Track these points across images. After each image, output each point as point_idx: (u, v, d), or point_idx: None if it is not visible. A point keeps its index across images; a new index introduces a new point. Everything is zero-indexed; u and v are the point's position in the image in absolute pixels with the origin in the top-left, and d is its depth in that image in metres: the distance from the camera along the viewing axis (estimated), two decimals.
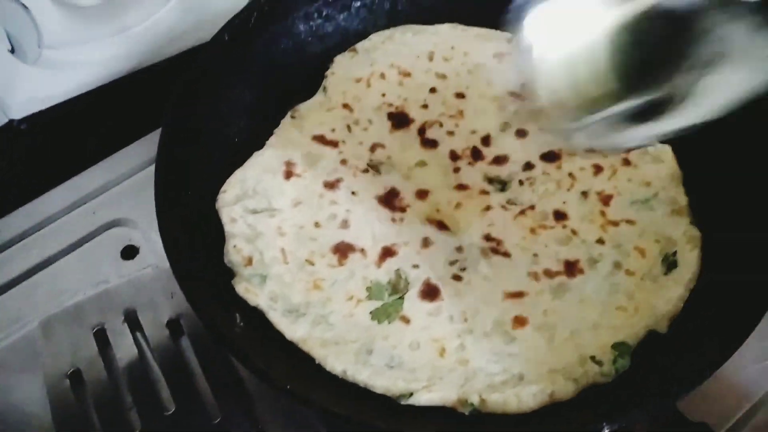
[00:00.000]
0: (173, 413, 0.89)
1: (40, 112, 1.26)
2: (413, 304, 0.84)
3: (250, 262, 0.85)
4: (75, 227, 1.11)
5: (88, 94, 1.27)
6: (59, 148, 1.26)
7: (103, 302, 0.99)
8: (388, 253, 0.88)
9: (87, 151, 1.23)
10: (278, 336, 0.81)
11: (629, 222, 0.89)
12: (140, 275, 1.02)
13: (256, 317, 0.81)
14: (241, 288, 0.83)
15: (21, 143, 1.26)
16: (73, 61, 1.22)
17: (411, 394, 0.75)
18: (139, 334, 0.97)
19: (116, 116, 1.28)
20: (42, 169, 1.23)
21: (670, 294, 0.83)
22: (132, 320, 0.98)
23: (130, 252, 1.08)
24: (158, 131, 1.19)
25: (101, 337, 0.96)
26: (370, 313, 0.83)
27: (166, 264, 1.00)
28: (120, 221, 1.11)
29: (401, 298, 0.84)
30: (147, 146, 1.19)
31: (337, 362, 0.78)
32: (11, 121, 1.24)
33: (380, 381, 0.77)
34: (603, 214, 0.90)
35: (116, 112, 1.28)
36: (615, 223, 0.89)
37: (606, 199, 0.91)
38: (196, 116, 0.94)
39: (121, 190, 1.16)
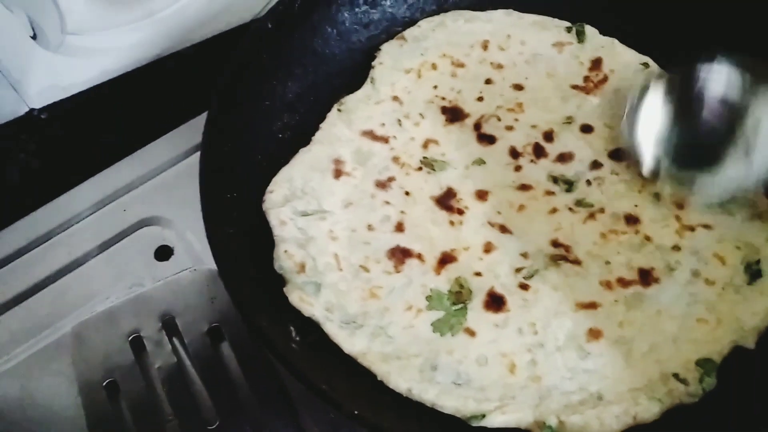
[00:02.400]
0: (217, 427, 0.85)
1: (62, 101, 1.21)
2: (478, 314, 0.78)
3: (302, 268, 0.80)
4: (104, 226, 1.06)
5: (113, 82, 1.22)
6: (83, 140, 1.21)
7: (138, 307, 0.94)
8: (447, 258, 0.82)
9: (114, 145, 1.17)
10: (335, 350, 0.75)
11: (706, 227, 0.84)
12: (177, 278, 0.97)
13: (311, 330, 0.76)
14: (295, 297, 0.77)
15: (42, 135, 1.20)
16: (97, 48, 1.17)
17: (483, 416, 0.70)
18: (177, 342, 0.92)
19: (144, 106, 1.22)
20: (66, 164, 1.17)
21: (756, 306, 0.77)
22: (170, 326, 0.92)
23: (164, 253, 1.03)
24: (189, 124, 1.16)
25: (137, 344, 0.91)
26: (432, 324, 0.78)
27: (205, 266, 0.96)
28: (152, 220, 1.06)
29: (464, 308, 0.79)
30: (179, 139, 1.14)
31: (401, 379, 0.73)
32: (31, 110, 1.19)
33: (449, 401, 0.72)
34: (678, 218, 0.84)
35: (144, 102, 1.23)
36: (691, 228, 0.84)
37: (680, 202, 0.86)
38: (238, 112, 0.88)
39: (152, 186, 1.10)
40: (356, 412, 0.63)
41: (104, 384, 0.88)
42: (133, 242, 1.05)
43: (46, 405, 0.90)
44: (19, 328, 0.96)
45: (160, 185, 1.10)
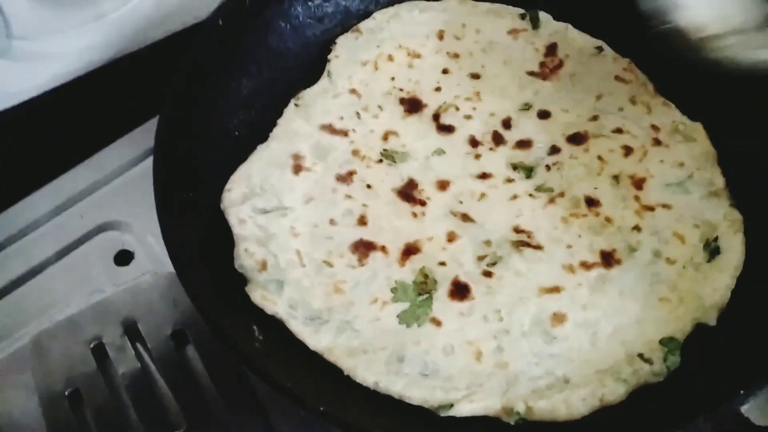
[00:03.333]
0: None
1: (13, 108, 1.17)
2: (443, 304, 0.78)
3: (264, 266, 0.78)
4: (62, 233, 1.02)
5: (64, 87, 1.18)
6: (37, 147, 1.17)
7: (99, 314, 0.91)
8: (411, 250, 0.81)
9: (68, 150, 1.13)
10: (299, 347, 0.74)
11: (665, 206, 0.84)
12: (138, 282, 0.94)
13: (275, 328, 0.75)
14: (257, 296, 0.76)
15: None
16: (46, 52, 1.13)
17: (451, 405, 0.69)
18: (140, 346, 0.89)
19: (98, 109, 1.18)
20: (20, 171, 1.13)
21: (716, 283, 0.78)
22: (132, 332, 0.90)
23: (124, 257, 1.00)
24: (145, 126, 1.13)
25: (100, 351, 0.88)
26: (398, 316, 0.77)
27: (165, 269, 0.93)
28: (111, 224, 1.03)
29: (429, 298, 0.78)
30: (134, 142, 1.11)
31: (367, 373, 0.72)
32: None
33: (416, 392, 0.71)
34: (637, 198, 0.85)
35: (98, 104, 1.19)
36: (650, 208, 0.84)
37: (639, 183, 0.86)
38: (192, 111, 0.86)
39: (109, 190, 1.07)
40: (322, 409, 0.62)
41: (66, 393, 0.85)
42: (91, 248, 1.02)
43: (7, 418, 0.86)
44: None
45: (117, 189, 1.07)
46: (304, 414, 0.78)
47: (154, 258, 0.98)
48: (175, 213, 0.76)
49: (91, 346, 0.88)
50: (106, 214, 1.04)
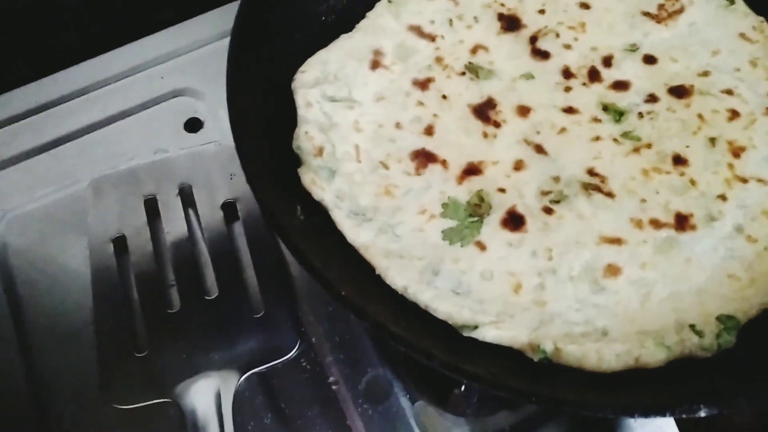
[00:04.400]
0: (215, 299, 0.84)
1: None
2: (493, 230, 0.74)
3: (320, 152, 0.76)
4: (141, 89, 1.04)
5: None
6: (136, 4, 1.18)
7: (159, 172, 0.93)
8: (473, 170, 0.77)
9: (162, 12, 1.14)
10: (339, 237, 0.72)
11: (761, 181, 0.76)
12: (201, 150, 0.95)
13: (319, 213, 0.73)
14: (308, 179, 0.74)
15: None
16: None
17: (476, 327, 0.66)
18: (191, 211, 0.91)
19: None
20: (113, 23, 1.15)
21: None
22: (186, 195, 0.91)
23: (194, 124, 1.01)
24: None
25: (152, 207, 0.90)
26: (443, 231, 0.73)
27: (230, 142, 0.91)
28: (188, 91, 1.04)
29: (480, 221, 0.74)
30: (226, 15, 1.09)
31: (398, 277, 0.70)
32: None
33: (443, 306, 0.68)
34: (731, 167, 0.77)
35: None
36: (744, 180, 0.76)
37: (737, 151, 0.78)
38: None
39: (193, 58, 1.08)
40: (343, 293, 0.60)
41: (113, 238, 0.87)
42: (166, 109, 1.03)
43: (57, 253, 0.91)
44: (45, 174, 0.97)
45: (200, 58, 1.07)
46: (329, 308, 0.78)
47: (221, 130, 0.98)
48: (245, 82, 0.74)
49: (145, 200, 0.90)
50: (186, 80, 1.05)
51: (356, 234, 0.72)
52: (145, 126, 1.01)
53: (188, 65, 1.06)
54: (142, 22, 1.12)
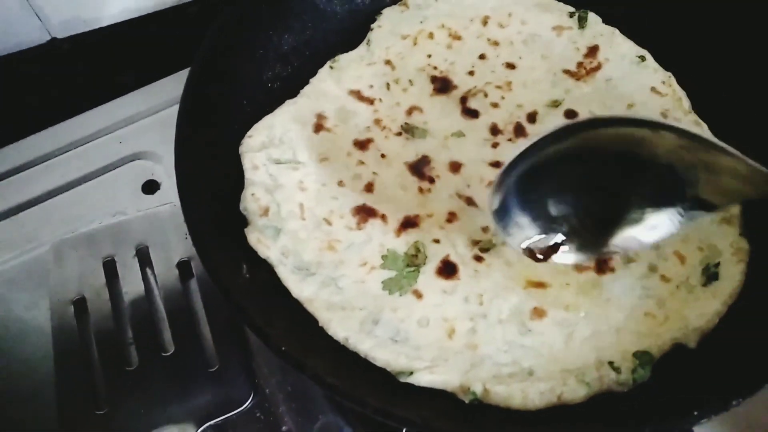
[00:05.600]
0: (172, 355, 0.88)
1: (83, 34, 1.25)
2: (428, 279, 0.80)
3: (266, 212, 0.82)
4: (100, 154, 1.10)
5: (129, 23, 1.25)
6: (95, 73, 1.24)
7: (117, 234, 0.98)
8: (409, 223, 0.84)
9: (122, 80, 1.20)
10: (283, 293, 0.77)
11: None
12: (157, 211, 1.00)
13: (264, 271, 0.78)
14: (253, 238, 0.79)
15: (60, 63, 1.24)
16: None
17: (411, 373, 0.72)
18: (148, 271, 0.95)
19: (154, 49, 1.25)
20: (76, 92, 1.21)
21: (706, 308, 0.77)
22: (143, 255, 0.96)
23: (151, 186, 1.07)
24: None
25: (110, 268, 0.95)
26: (383, 282, 0.79)
27: None
28: (145, 154, 1.10)
29: (417, 271, 0.80)
30: (182, 81, 1.16)
31: (340, 328, 0.75)
32: (54, 39, 1.22)
33: (382, 354, 0.73)
34: None
35: (155, 45, 1.25)
36: None
37: None
38: (230, 56, 0.90)
39: (150, 122, 1.14)
40: (283, 348, 0.65)
41: (74, 300, 0.91)
42: (124, 173, 1.08)
43: (18, 316, 0.94)
44: (8, 239, 1.01)
45: (157, 123, 1.13)
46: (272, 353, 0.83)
47: (177, 191, 1.03)
48: (192, 149, 0.80)
49: (104, 261, 0.95)
50: (144, 144, 1.10)
51: (300, 288, 0.77)
52: (104, 189, 1.06)
53: (146, 129, 1.12)
54: (101, 89, 1.18)
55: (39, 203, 1.05)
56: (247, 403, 0.85)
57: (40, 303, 0.94)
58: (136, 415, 0.84)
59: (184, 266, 0.95)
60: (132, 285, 0.94)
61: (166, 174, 1.07)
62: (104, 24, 1.25)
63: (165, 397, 0.85)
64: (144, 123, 1.13)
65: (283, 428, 0.85)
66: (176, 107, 1.11)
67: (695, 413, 0.63)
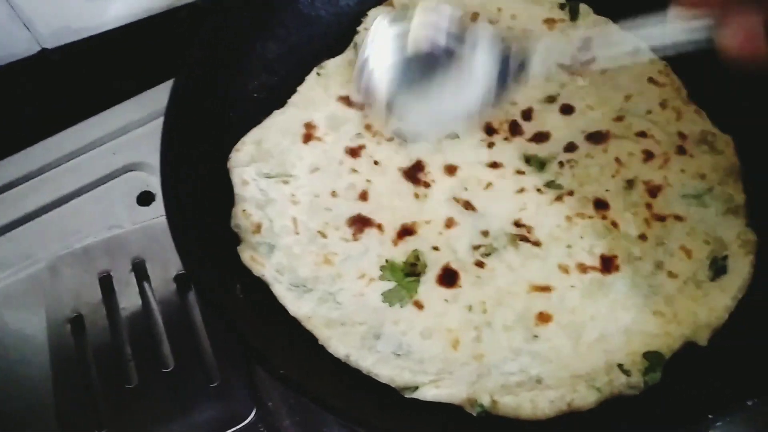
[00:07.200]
0: (172, 371, 0.81)
1: (72, 44, 1.16)
2: (429, 288, 0.72)
3: (258, 229, 0.74)
4: (93, 167, 1.01)
5: (120, 30, 1.16)
6: (87, 83, 1.16)
7: (113, 248, 0.90)
8: (407, 231, 0.76)
9: (113, 90, 1.12)
10: (280, 311, 0.70)
11: (678, 218, 0.76)
12: (153, 223, 0.93)
13: (259, 290, 0.71)
14: (247, 256, 0.72)
15: (51, 74, 1.16)
16: None
17: (416, 388, 0.65)
18: (146, 285, 0.88)
19: (146, 56, 1.17)
20: (67, 104, 1.13)
21: (716, 303, 0.70)
22: (140, 270, 0.88)
23: (146, 198, 0.99)
24: None
25: (107, 283, 0.87)
26: (382, 294, 0.72)
27: None
28: (139, 165, 1.01)
29: (417, 280, 0.73)
30: None
31: (341, 345, 0.68)
32: (43, 49, 1.14)
33: (385, 370, 0.66)
34: (649, 206, 0.77)
35: (147, 52, 1.17)
36: (661, 218, 0.76)
37: (654, 190, 0.78)
38: (213, 66, 0.82)
39: (144, 132, 1.05)
40: (282, 372, 0.58)
41: (70, 318, 0.84)
42: (118, 185, 1.00)
43: (15, 335, 0.87)
44: (2, 257, 0.93)
45: (150, 133, 1.04)
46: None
47: None
48: (178, 165, 0.73)
49: (100, 277, 0.87)
50: (137, 155, 1.02)
51: (297, 306, 0.70)
52: (98, 202, 0.98)
53: (139, 140, 1.04)
54: (93, 98, 1.10)
55: (33, 219, 0.97)
56: (250, 418, 0.78)
57: (37, 321, 0.86)
58: None
59: (181, 279, 0.87)
60: (129, 300, 0.86)
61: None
62: (94, 33, 1.17)
63: (166, 414, 0.78)
64: (137, 132, 1.05)
65: None
66: None
67: (710, 416, 0.57)
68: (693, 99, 0.84)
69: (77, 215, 0.97)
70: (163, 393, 0.79)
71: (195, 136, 0.77)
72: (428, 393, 0.65)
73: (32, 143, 1.05)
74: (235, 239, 0.74)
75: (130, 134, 1.05)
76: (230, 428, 0.77)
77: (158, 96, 1.08)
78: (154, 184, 0.99)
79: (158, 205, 0.97)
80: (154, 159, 1.00)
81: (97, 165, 1.01)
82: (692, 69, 0.84)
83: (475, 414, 0.64)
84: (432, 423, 0.63)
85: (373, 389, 0.66)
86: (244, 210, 0.75)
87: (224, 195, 0.77)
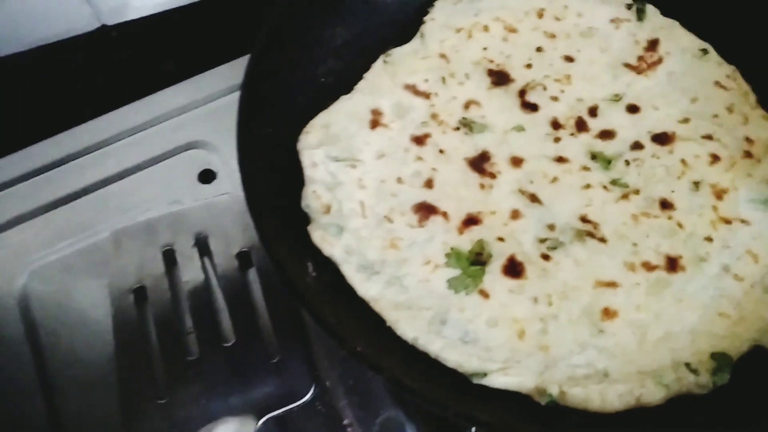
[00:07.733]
0: (232, 345, 0.81)
1: (133, 22, 1.16)
2: (494, 278, 0.71)
3: (328, 210, 0.73)
4: (155, 143, 1.01)
5: (180, 10, 1.16)
6: (147, 60, 1.16)
7: (176, 223, 0.90)
8: (472, 220, 0.75)
9: (174, 69, 1.12)
10: (349, 292, 0.69)
11: (744, 222, 0.74)
12: (215, 201, 0.92)
13: (328, 269, 0.70)
14: (317, 236, 0.71)
15: (110, 51, 1.16)
16: None
17: (485, 374, 0.64)
18: (207, 260, 0.87)
19: (206, 36, 1.16)
20: (128, 80, 1.13)
21: None
22: (202, 245, 0.88)
23: (207, 176, 0.98)
24: (246, 57, 1.10)
25: (170, 257, 0.87)
26: (448, 281, 0.71)
27: (243, 194, 0.90)
28: (200, 143, 1.01)
29: (482, 269, 0.72)
30: (234, 71, 1.07)
31: (408, 328, 0.67)
32: (103, 26, 1.14)
33: (453, 355, 0.65)
34: (715, 209, 0.75)
35: (206, 31, 1.17)
36: (727, 221, 0.74)
37: (720, 193, 0.76)
38: (282, 53, 0.80)
39: (204, 111, 1.05)
40: (359, 349, 0.58)
41: (134, 288, 0.84)
42: (179, 162, 1.00)
43: (79, 303, 0.87)
44: (65, 226, 0.94)
45: (211, 112, 1.04)
46: (342, 353, 0.75)
47: (233, 182, 0.96)
48: (253, 145, 0.72)
49: (163, 250, 0.87)
50: (198, 133, 1.02)
51: (366, 288, 0.69)
52: (159, 178, 0.98)
53: (200, 119, 1.03)
54: (149, 77, 1.09)
55: (94, 191, 0.97)
56: (307, 396, 0.77)
57: (100, 290, 0.86)
58: (196, 405, 0.76)
59: (243, 256, 0.87)
60: (191, 274, 0.86)
61: (222, 164, 0.98)
62: (153, 12, 1.16)
63: (225, 387, 0.78)
64: (198, 112, 1.04)
65: (345, 422, 0.77)
66: (229, 97, 1.06)
67: None
68: (762, 105, 0.82)
69: (138, 190, 0.97)
70: (223, 367, 0.79)
71: (267, 118, 0.76)
72: (497, 380, 0.64)
73: (91, 118, 1.04)
74: (304, 219, 0.73)
75: (191, 113, 1.05)
76: (288, 405, 0.77)
77: (217, 78, 1.08)
78: (216, 162, 0.99)
79: (219, 183, 0.97)
80: (214, 138, 1.01)
81: (158, 141, 1.01)
82: (761, 75, 0.83)
83: (543, 403, 0.63)
84: (500, 409, 0.62)
85: (440, 373, 0.65)
86: (314, 191, 0.74)
87: (292, 175, 0.76)
